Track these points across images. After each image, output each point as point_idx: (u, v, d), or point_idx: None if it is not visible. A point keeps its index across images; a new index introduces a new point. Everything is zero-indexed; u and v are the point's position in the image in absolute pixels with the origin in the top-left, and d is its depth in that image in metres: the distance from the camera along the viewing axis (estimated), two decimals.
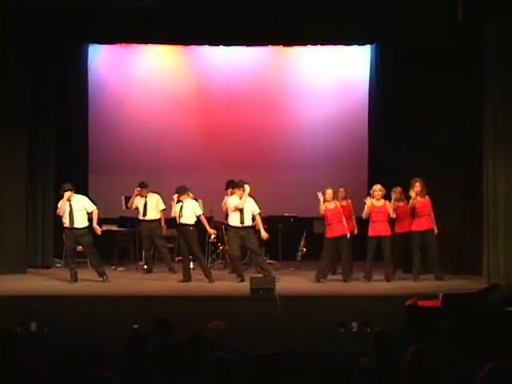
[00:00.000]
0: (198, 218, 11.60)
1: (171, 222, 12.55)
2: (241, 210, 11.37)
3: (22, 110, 12.31)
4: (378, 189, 11.46)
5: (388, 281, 11.24)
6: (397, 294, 9.88)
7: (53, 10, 11.54)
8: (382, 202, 11.43)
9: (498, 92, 11.04)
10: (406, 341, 4.86)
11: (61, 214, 11.29)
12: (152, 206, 12.49)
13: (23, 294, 10.15)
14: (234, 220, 11.50)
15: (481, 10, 10.49)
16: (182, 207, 11.48)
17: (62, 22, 11.97)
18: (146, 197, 12.46)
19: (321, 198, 11.21)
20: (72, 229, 11.27)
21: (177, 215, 11.51)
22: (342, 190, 11.84)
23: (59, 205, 11.30)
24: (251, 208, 11.44)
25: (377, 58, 13.81)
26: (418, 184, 11.27)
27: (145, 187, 12.46)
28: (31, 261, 12.76)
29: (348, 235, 11.31)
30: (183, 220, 11.49)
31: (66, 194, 11.24)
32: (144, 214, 12.47)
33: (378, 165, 13.74)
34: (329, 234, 11.31)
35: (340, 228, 11.28)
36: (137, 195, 12.47)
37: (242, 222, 11.39)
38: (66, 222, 11.28)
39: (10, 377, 4.07)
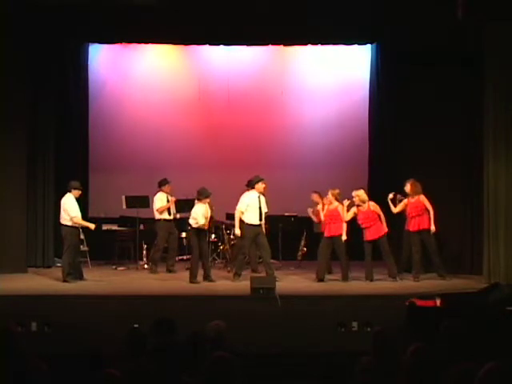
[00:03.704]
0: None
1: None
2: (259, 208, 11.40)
3: (22, 110, 12.31)
4: (353, 194, 11.35)
5: (392, 277, 11.20)
6: (397, 294, 9.89)
7: (53, 10, 11.54)
8: (365, 207, 11.34)
9: (499, 92, 11.04)
10: (406, 341, 4.85)
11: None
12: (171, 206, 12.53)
13: (23, 294, 10.13)
14: (252, 218, 11.40)
15: (481, 9, 10.50)
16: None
17: (62, 21, 11.97)
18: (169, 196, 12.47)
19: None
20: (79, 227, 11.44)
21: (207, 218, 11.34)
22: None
23: (75, 207, 11.20)
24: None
25: (377, 58, 13.80)
26: (407, 185, 11.28)
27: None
28: (31, 260, 12.74)
29: (344, 237, 11.28)
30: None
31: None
32: (170, 213, 12.45)
33: (379, 165, 13.73)
34: (325, 234, 11.39)
35: (335, 228, 11.29)
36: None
37: (260, 219, 11.42)
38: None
39: (9, 376, 4.06)
